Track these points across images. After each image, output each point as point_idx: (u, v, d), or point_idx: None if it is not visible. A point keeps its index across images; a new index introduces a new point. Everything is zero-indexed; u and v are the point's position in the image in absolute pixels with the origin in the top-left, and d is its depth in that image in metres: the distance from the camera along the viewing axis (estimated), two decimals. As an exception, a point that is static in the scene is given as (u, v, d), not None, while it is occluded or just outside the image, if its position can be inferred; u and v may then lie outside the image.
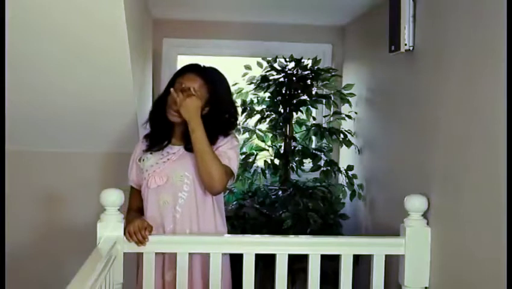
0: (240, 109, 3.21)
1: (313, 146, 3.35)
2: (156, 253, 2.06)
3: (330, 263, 2.33)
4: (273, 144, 3.32)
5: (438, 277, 2.01)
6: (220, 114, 2.12)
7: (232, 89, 3.34)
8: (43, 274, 3.01)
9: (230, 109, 2.17)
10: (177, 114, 2.06)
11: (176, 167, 2.09)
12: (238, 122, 2.23)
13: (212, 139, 2.07)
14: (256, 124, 3.26)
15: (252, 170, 3.23)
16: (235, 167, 2.11)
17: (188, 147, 2.09)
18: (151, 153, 2.14)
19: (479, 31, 1.76)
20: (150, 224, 2.04)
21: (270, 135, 3.30)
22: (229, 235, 2.19)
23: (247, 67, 3.37)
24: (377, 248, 2.10)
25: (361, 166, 3.15)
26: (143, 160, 2.15)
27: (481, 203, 1.73)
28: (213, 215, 2.13)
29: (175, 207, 2.08)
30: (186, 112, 2.01)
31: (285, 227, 2.85)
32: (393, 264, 2.16)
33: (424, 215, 2.07)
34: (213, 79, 2.13)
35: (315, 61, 3.26)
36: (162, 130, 2.16)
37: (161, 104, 2.15)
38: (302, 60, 3.23)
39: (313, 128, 3.23)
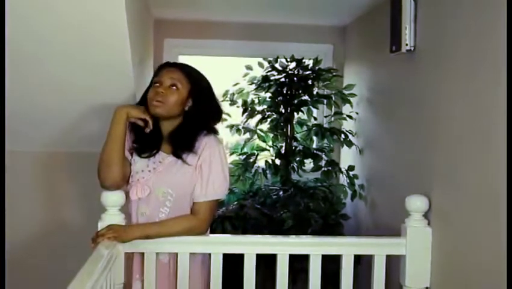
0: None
1: (314, 146, 3.35)
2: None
3: (331, 263, 2.33)
4: (274, 144, 3.32)
5: (439, 278, 2.01)
6: (203, 107, 2.05)
7: (233, 89, 3.37)
8: (44, 274, 3.01)
9: (212, 103, 2.10)
10: (159, 104, 2.01)
11: (160, 181, 2.03)
12: (222, 117, 2.15)
13: (193, 135, 2.03)
14: (257, 125, 3.26)
15: (253, 170, 3.23)
16: (221, 189, 2.04)
17: (177, 153, 2.03)
18: (139, 156, 2.07)
19: (480, 31, 1.76)
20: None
21: (271, 135, 3.30)
22: (230, 235, 2.19)
23: (248, 67, 3.37)
24: (378, 248, 2.10)
25: (362, 166, 3.15)
26: (132, 158, 2.08)
27: (482, 203, 1.72)
28: None
29: (155, 219, 2.04)
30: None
31: (286, 228, 2.85)
32: (394, 264, 2.16)
33: (425, 215, 2.07)
34: (191, 71, 2.08)
35: (316, 61, 3.26)
36: (150, 136, 2.07)
37: (143, 103, 2.10)
38: (303, 60, 3.23)
39: (314, 128, 3.23)
